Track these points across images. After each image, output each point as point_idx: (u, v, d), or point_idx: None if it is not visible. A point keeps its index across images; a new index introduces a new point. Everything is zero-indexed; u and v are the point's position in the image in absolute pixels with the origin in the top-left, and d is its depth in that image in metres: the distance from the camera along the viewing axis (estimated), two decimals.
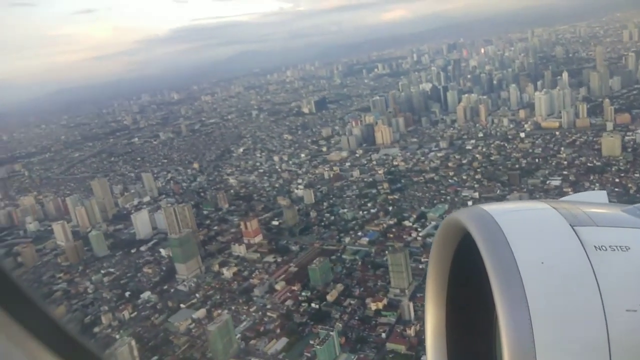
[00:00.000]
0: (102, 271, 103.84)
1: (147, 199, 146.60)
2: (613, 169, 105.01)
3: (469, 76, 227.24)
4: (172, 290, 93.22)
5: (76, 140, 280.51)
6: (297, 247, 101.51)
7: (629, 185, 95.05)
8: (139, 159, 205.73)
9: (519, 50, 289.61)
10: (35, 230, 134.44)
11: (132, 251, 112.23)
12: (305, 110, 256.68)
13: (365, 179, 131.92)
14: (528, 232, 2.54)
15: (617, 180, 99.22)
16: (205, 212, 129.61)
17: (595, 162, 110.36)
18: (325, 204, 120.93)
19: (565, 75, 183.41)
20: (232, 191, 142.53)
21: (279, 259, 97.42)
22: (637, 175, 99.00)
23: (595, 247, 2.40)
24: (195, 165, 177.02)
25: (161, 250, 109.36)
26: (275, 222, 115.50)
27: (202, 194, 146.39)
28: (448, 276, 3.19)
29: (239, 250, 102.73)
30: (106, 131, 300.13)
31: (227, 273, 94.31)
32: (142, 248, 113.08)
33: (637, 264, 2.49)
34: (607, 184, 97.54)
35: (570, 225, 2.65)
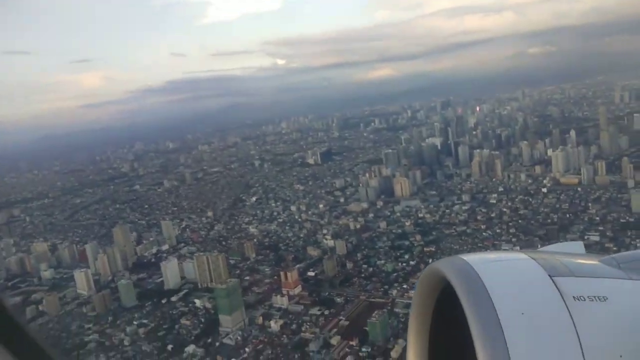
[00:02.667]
0: (135, 322, 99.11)
1: (165, 247, 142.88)
2: None
3: (474, 132, 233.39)
4: (217, 344, 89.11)
5: (74, 187, 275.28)
6: (342, 300, 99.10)
7: None
8: (146, 206, 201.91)
9: (515, 109, 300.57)
10: (50, 277, 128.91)
11: (163, 302, 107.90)
12: (311, 161, 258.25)
13: (394, 231, 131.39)
14: (508, 283, 2.55)
15: None
16: (232, 262, 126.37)
17: (628, 218, 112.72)
18: (359, 255, 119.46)
19: (573, 133, 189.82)
20: (255, 240, 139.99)
21: (326, 312, 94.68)
22: None
23: (574, 297, 2.43)
24: (210, 214, 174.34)
25: (196, 300, 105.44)
26: (311, 273, 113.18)
27: (223, 243, 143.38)
28: (430, 326, 3.13)
29: (280, 301, 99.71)
30: (104, 178, 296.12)
31: (275, 326, 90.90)
32: (173, 298, 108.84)
33: (615, 314, 2.52)
34: None
35: (549, 275, 2.69)
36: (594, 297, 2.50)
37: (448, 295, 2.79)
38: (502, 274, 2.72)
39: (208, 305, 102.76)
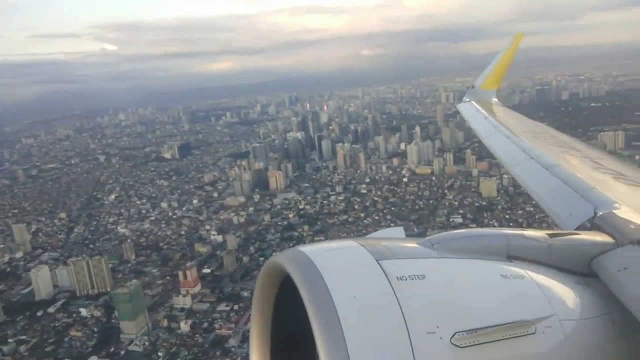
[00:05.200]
0: (11, 339, 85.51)
1: (19, 254, 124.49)
2: (499, 207, 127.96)
3: (330, 127, 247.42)
4: (122, 352, 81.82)
5: None
6: (248, 293, 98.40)
7: (519, 220, 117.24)
8: None
9: (360, 106, 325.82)
10: None
11: (39, 314, 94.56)
12: (168, 155, 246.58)
13: (279, 223, 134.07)
14: (341, 270, 2.81)
15: (506, 216, 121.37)
16: (110, 266, 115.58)
17: (481, 202, 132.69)
18: (252, 248, 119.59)
19: (417, 129, 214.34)
20: (129, 241, 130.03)
21: (235, 307, 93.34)
22: (520, 212, 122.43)
23: (397, 277, 2.76)
24: (63, 215, 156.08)
25: (81, 309, 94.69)
26: (206, 270, 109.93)
27: (91, 246, 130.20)
28: (271, 319, 3.28)
29: (182, 302, 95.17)
30: None
31: (184, 327, 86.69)
32: (50, 309, 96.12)
33: (431, 290, 2.82)
34: (501, 219, 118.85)
35: (376, 259, 2.89)
36: (414, 276, 2.86)
37: (289, 287, 2.88)
38: (335, 261, 2.91)
39: (97, 313, 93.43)
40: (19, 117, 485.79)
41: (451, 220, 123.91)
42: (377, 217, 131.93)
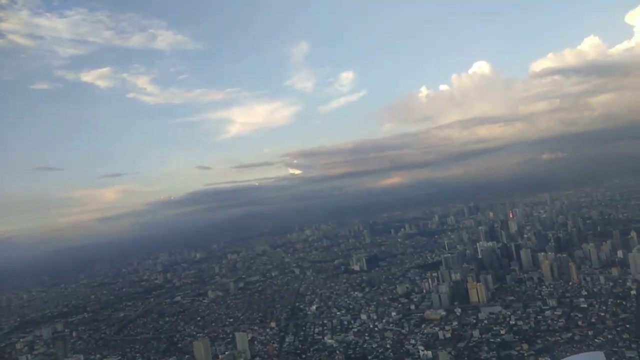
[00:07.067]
0: None
1: None
2: None
3: (525, 235, 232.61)
4: None
5: (110, 300, 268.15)
6: None
7: None
8: (198, 318, 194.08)
9: (553, 212, 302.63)
10: None
11: None
12: (356, 267, 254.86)
13: (491, 340, 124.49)
14: None
15: None
16: None
17: None
18: None
19: (634, 234, 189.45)
20: (338, 352, 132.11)
21: None
22: None
23: None
24: (273, 324, 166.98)
25: None
26: None
27: (303, 356, 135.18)
28: None
29: None
30: (139, 290, 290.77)
31: None
32: None
33: None
34: None
35: None
36: None
37: None
38: None
39: None
40: (221, 235, 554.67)
41: None
42: (609, 336, 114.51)
